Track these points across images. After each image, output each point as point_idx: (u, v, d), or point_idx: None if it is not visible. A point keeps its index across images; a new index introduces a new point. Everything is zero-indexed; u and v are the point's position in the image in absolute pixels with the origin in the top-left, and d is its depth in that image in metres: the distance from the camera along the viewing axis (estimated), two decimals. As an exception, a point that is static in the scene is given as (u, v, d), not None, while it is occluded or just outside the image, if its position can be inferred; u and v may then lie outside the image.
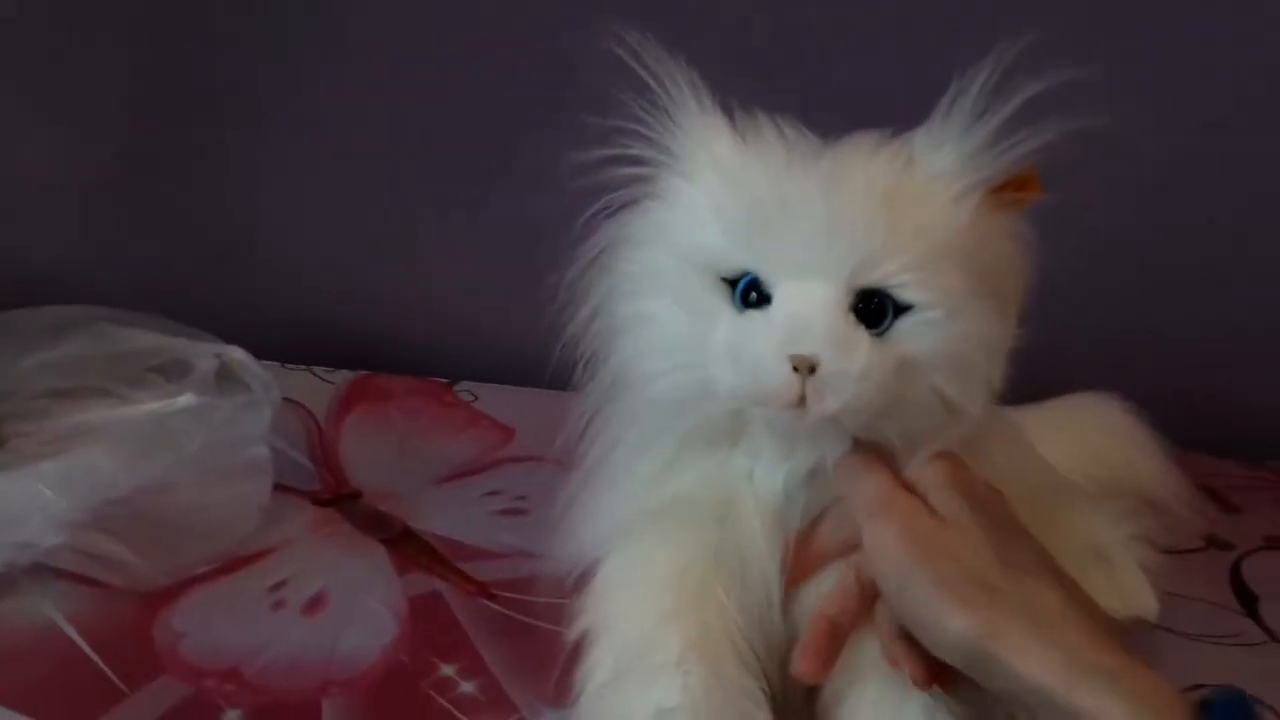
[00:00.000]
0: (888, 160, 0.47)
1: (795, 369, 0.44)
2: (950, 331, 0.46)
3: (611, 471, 0.53)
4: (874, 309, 0.46)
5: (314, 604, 0.67)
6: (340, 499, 0.78)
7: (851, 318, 0.45)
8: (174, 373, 0.89)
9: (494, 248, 0.92)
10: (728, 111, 0.49)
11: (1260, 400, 1.03)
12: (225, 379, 0.89)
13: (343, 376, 0.96)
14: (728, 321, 0.47)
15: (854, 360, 0.44)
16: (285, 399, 0.88)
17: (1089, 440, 0.80)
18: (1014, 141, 0.46)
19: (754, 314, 0.46)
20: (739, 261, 0.47)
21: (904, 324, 0.46)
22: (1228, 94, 0.91)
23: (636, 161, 0.49)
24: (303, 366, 0.97)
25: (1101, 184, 0.89)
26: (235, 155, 0.97)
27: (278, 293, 1.00)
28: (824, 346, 0.44)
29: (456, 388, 0.98)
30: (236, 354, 0.89)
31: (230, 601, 0.66)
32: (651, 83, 0.47)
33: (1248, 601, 0.80)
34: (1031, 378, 0.79)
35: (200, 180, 0.98)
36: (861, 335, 0.45)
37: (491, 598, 0.69)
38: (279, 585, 0.68)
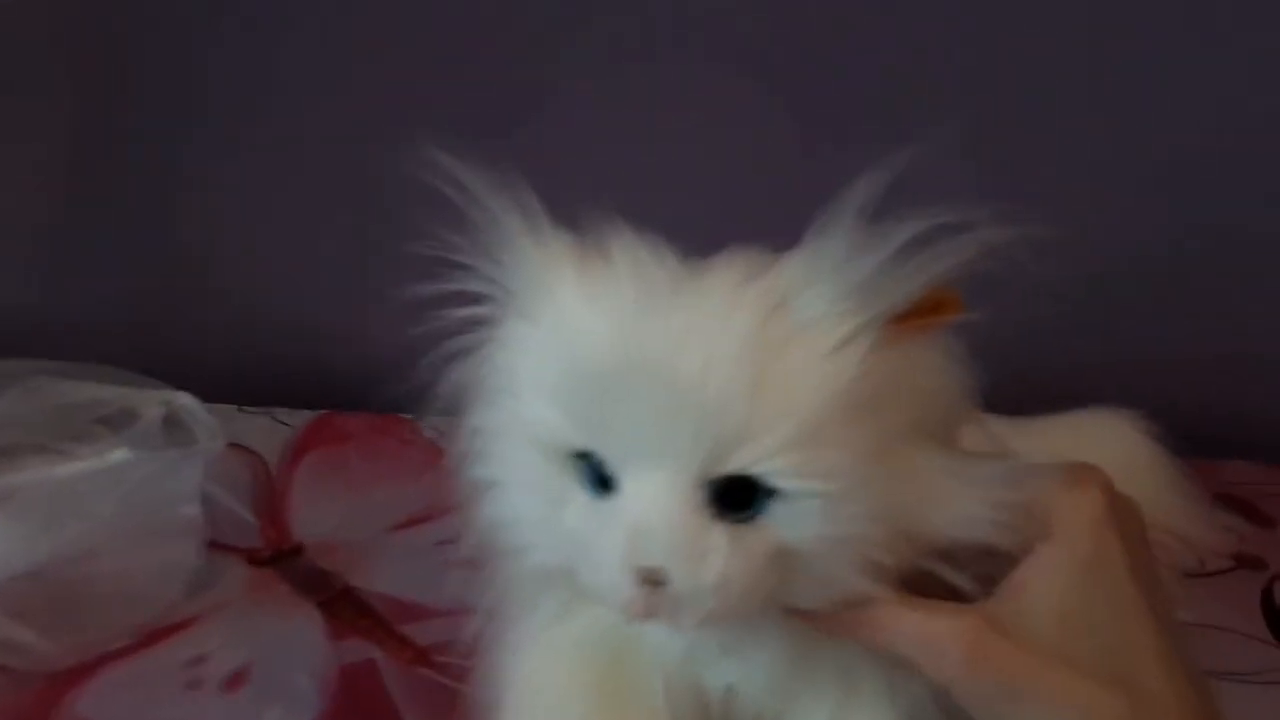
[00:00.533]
0: (754, 303, 0.36)
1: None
2: (839, 514, 0.36)
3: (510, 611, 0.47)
4: (739, 495, 0.36)
5: (235, 680, 0.62)
6: (279, 556, 0.73)
7: (708, 511, 0.36)
8: (121, 423, 0.85)
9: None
10: (582, 232, 0.40)
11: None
12: (176, 427, 0.85)
13: (302, 418, 0.91)
14: (576, 509, 0.38)
15: (707, 570, 0.35)
16: (236, 446, 0.84)
17: (1093, 457, 0.74)
18: (914, 266, 0.35)
19: (602, 505, 0.37)
20: (578, 440, 0.37)
21: (778, 509, 0.36)
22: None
23: (474, 299, 0.41)
24: (262, 409, 0.92)
25: (1121, 189, 0.90)
26: (183, 189, 0.92)
27: (235, 332, 0.96)
28: (670, 558, 0.35)
29: (423, 425, 0.92)
30: (183, 400, 0.84)
31: (143, 681, 0.61)
32: (478, 208, 0.38)
33: (1280, 629, 0.72)
34: (1049, 391, 0.76)
35: (148, 219, 0.93)
36: (718, 535, 0.36)
37: (430, 664, 0.64)
38: (198, 660, 0.63)
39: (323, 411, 0.92)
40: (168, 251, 0.96)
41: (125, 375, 0.85)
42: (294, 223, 0.92)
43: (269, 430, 0.89)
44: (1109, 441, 0.74)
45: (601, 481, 0.37)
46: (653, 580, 0.36)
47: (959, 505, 0.37)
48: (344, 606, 0.68)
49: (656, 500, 0.36)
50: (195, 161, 0.91)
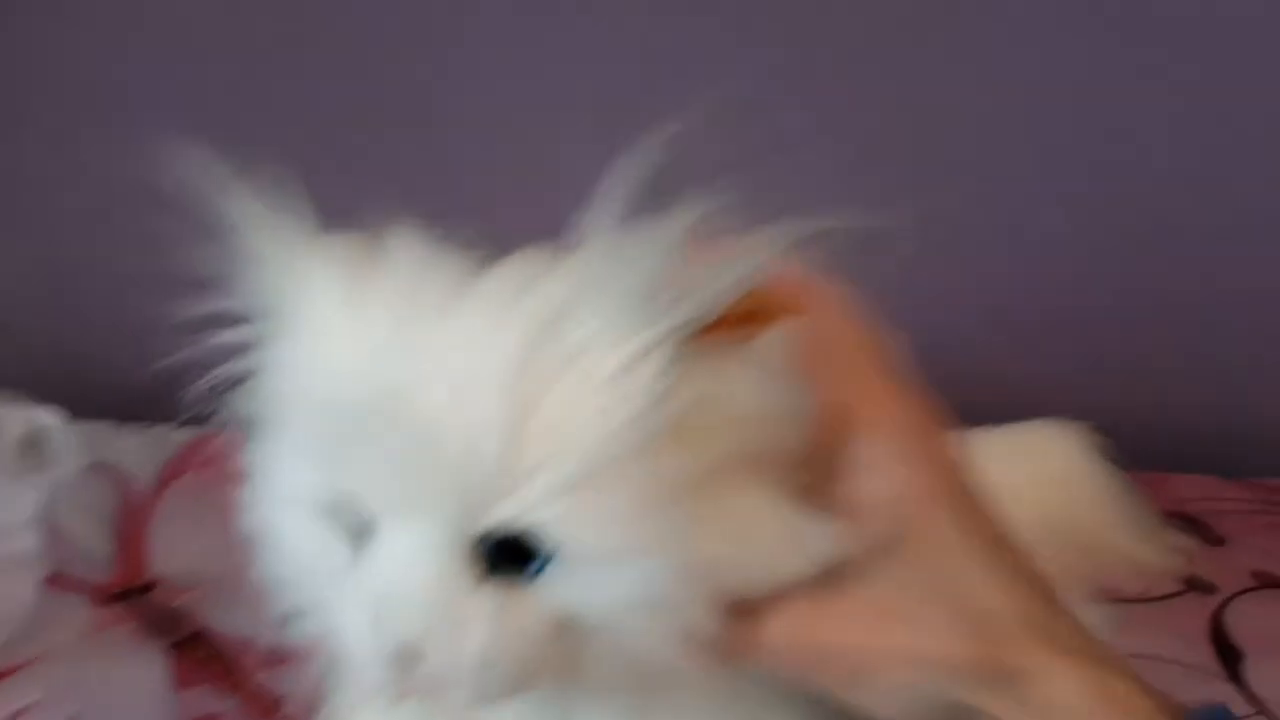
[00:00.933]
0: (519, 323, 0.29)
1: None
2: (631, 575, 0.29)
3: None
4: (513, 553, 0.29)
5: (57, 737, 0.55)
6: (129, 593, 0.66)
7: (473, 573, 0.30)
8: (-17, 442, 0.79)
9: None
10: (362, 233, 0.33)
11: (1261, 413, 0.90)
12: (37, 446, 0.79)
13: (181, 437, 0.84)
14: (329, 571, 0.32)
15: (466, 644, 0.29)
16: (103, 467, 0.77)
17: (1035, 472, 0.70)
18: (718, 265, 0.28)
19: (363, 559, 0.31)
20: (324, 489, 0.31)
21: (558, 570, 0.29)
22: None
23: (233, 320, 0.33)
24: (147, 425, 0.84)
25: (1069, 195, 0.85)
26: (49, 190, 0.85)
27: (116, 341, 0.89)
28: (422, 630, 0.29)
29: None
30: (45, 418, 0.78)
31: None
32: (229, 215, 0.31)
33: (1231, 660, 0.66)
34: (990, 401, 0.71)
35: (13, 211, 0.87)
36: (481, 602, 0.30)
37: (285, 716, 0.57)
38: (18, 714, 0.56)
39: (203, 431, 0.84)
40: (40, 255, 0.89)
41: (-12, 391, 0.79)
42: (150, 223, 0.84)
43: (147, 449, 0.82)
44: (1052, 456, 0.70)
45: (361, 537, 0.31)
46: (406, 656, 0.29)
47: (785, 556, 0.31)
48: (194, 651, 0.62)
49: (408, 561, 0.30)
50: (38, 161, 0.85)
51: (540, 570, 0.29)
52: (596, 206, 0.28)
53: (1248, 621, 0.69)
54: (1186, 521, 0.79)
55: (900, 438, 0.33)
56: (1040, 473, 0.70)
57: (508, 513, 0.29)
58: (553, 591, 0.30)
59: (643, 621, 0.30)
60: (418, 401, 0.28)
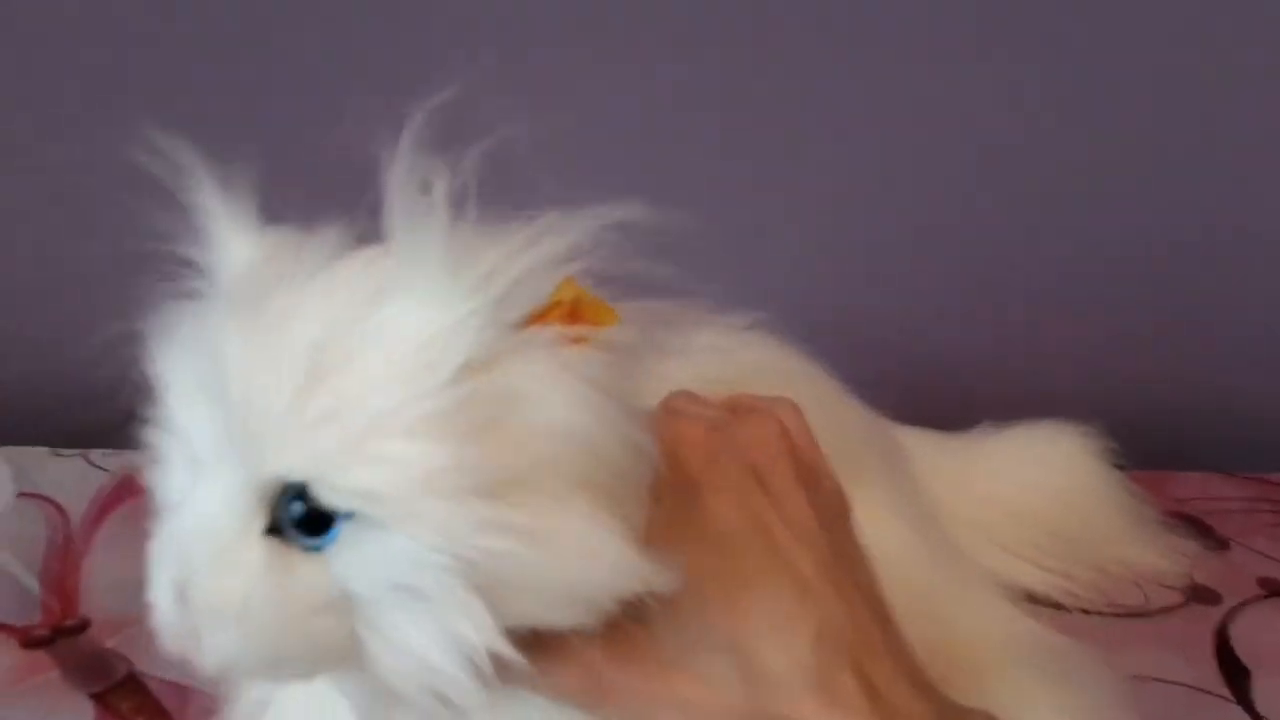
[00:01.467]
0: (344, 296, 0.30)
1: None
2: (397, 553, 0.29)
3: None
4: (313, 523, 0.30)
5: (-34, 802, 0.50)
6: (58, 635, 0.61)
7: (255, 524, 0.30)
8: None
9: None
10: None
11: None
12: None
13: (121, 462, 0.79)
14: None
15: (230, 589, 0.30)
16: (36, 497, 0.73)
17: (1036, 477, 0.67)
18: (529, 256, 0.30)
19: None
20: (163, 443, 0.33)
21: (344, 541, 0.30)
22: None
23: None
24: (78, 451, 0.80)
25: (1075, 188, 0.82)
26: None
27: (40, 359, 0.84)
28: (194, 567, 0.30)
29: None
30: (-32, 443, 0.73)
31: None
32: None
33: (1237, 678, 0.62)
34: (992, 402, 0.68)
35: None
36: (257, 551, 0.30)
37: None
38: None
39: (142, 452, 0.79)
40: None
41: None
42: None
43: (81, 477, 0.77)
44: (1052, 459, 0.68)
45: None
46: (179, 595, 0.30)
47: (589, 585, 0.30)
48: (123, 698, 0.57)
49: (197, 505, 0.31)
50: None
51: (330, 540, 0.30)
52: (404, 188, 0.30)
53: (1255, 633, 0.65)
54: (1188, 523, 0.74)
55: (732, 493, 0.36)
56: (1044, 478, 0.67)
57: (286, 462, 0.29)
58: (336, 562, 0.30)
59: (411, 614, 0.29)
60: (232, 369, 0.30)
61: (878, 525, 0.42)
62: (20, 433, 0.79)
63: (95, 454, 0.79)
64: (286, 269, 0.31)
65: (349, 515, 0.29)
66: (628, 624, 0.32)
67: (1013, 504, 0.66)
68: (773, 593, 0.34)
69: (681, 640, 0.33)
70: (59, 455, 0.79)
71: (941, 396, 0.68)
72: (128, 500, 0.74)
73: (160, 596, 0.31)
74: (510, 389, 0.29)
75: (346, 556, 0.30)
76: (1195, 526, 0.75)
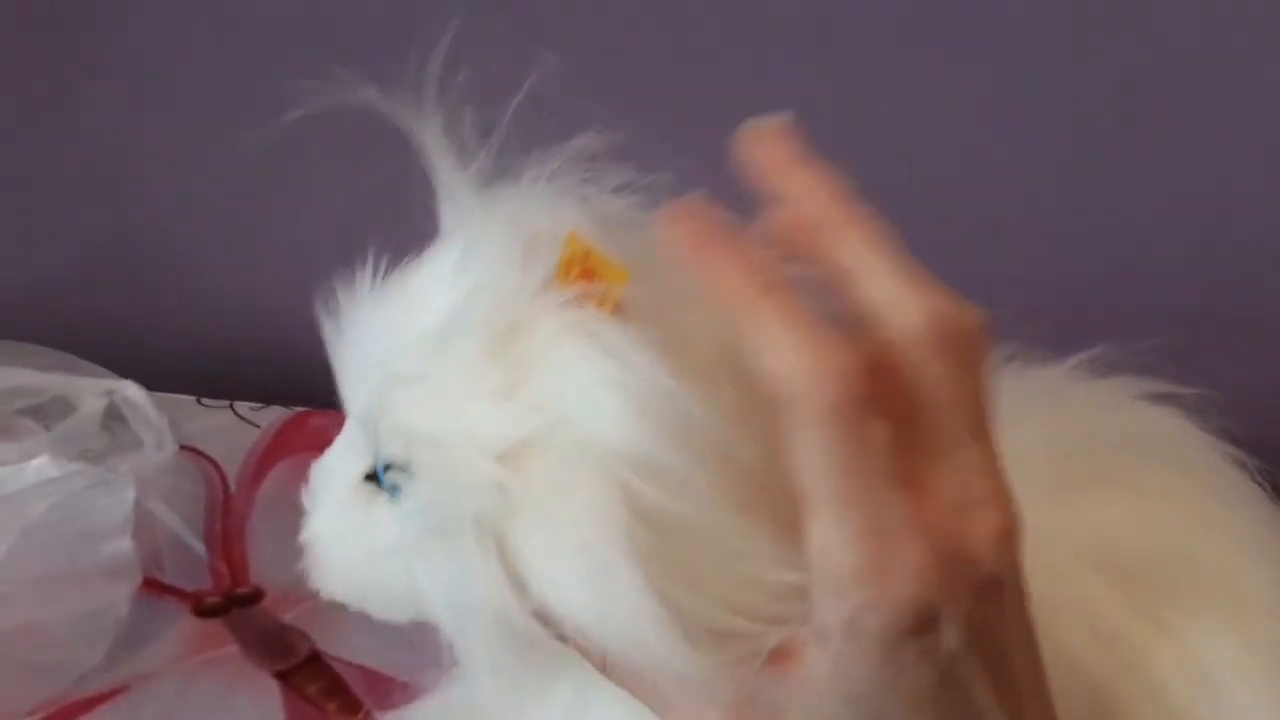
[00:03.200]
0: (437, 271, 0.32)
1: None
2: (430, 501, 0.31)
3: None
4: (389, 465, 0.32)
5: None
6: (232, 604, 0.58)
7: (362, 468, 0.33)
8: (53, 416, 0.71)
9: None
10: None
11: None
12: (118, 424, 0.71)
13: (272, 417, 0.76)
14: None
15: (315, 521, 0.35)
16: (189, 450, 0.70)
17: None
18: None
19: None
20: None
21: (403, 486, 0.32)
22: None
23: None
24: (224, 403, 0.77)
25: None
26: (132, 146, 0.77)
27: (192, 309, 0.81)
28: (311, 498, 0.36)
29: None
30: (129, 391, 0.70)
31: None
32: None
33: None
34: None
35: (92, 175, 0.78)
36: (349, 489, 0.34)
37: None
38: (120, 751, 0.49)
39: (299, 409, 0.76)
40: (115, 213, 0.81)
41: (61, 358, 0.71)
42: (260, 185, 0.77)
43: (231, 430, 0.74)
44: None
45: None
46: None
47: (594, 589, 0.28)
48: (309, 680, 0.54)
49: (332, 448, 0.35)
50: (142, 115, 0.76)
51: (389, 486, 0.32)
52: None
53: None
54: None
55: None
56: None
57: (363, 402, 0.32)
58: (397, 509, 0.32)
59: (437, 562, 0.31)
60: (374, 317, 0.33)
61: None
62: (163, 380, 0.77)
63: (242, 406, 0.76)
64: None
65: (399, 466, 0.31)
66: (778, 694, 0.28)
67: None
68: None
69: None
70: (205, 406, 0.76)
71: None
72: (285, 459, 0.71)
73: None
74: (536, 354, 0.29)
75: (403, 504, 0.32)
76: None
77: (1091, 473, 0.39)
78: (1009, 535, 0.26)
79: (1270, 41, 0.67)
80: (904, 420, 0.25)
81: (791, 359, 0.24)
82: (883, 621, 0.24)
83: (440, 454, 0.30)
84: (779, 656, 0.27)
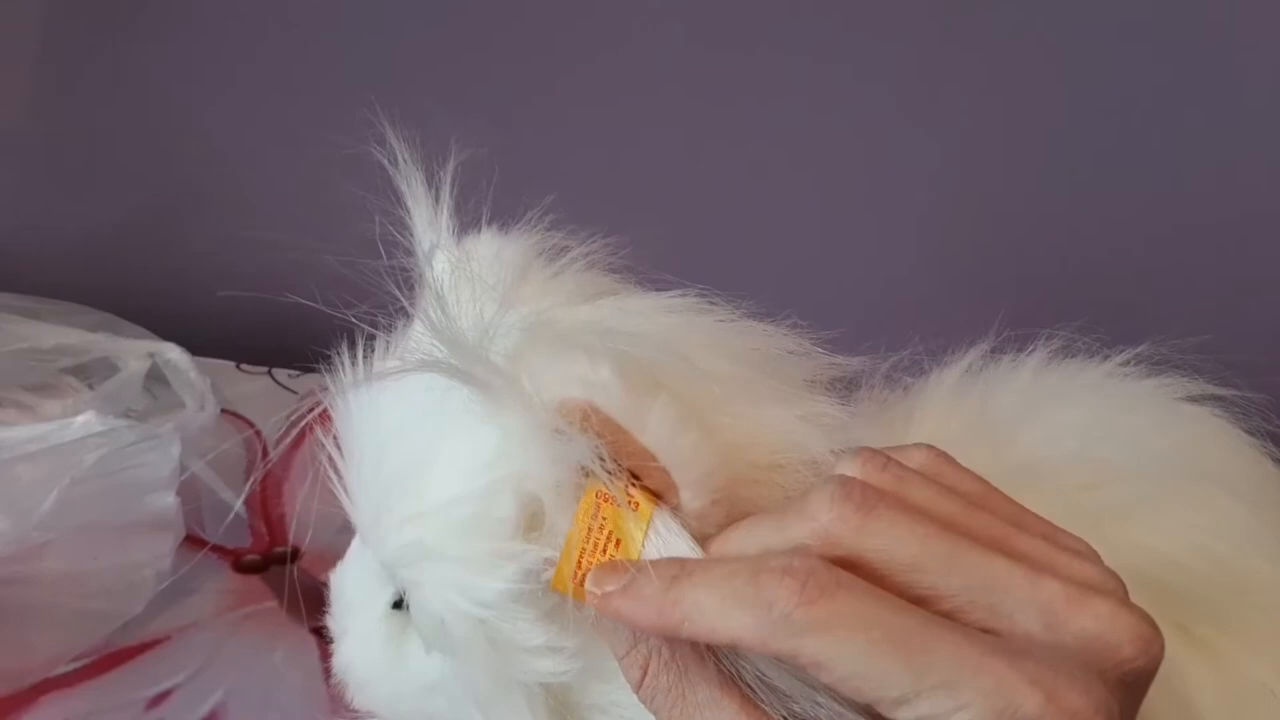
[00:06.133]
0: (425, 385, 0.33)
1: None
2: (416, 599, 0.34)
3: None
4: None
5: (204, 727, 0.49)
6: (270, 562, 0.60)
7: (387, 597, 0.37)
8: (96, 376, 0.72)
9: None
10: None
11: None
12: (159, 385, 0.72)
13: (310, 383, 0.77)
14: None
15: (352, 652, 0.38)
16: (229, 414, 0.71)
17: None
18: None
19: None
20: None
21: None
22: None
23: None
24: (262, 369, 0.78)
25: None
26: (179, 106, 0.78)
27: (236, 273, 0.82)
28: (339, 619, 0.40)
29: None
30: (172, 353, 0.71)
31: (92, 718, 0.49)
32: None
33: None
34: None
35: (138, 137, 0.80)
36: (379, 618, 0.37)
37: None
38: (162, 697, 0.50)
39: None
40: (160, 175, 0.82)
41: (105, 319, 0.73)
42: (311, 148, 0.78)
43: (269, 396, 0.75)
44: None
45: None
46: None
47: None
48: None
49: (349, 566, 0.40)
50: (193, 75, 0.78)
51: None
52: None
53: None
54: None
55: None
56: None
57: (388, 554, 0.34)
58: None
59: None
60: (374, 434, 0.38)
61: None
62: (205, 346, 0.78)
63: (280, 374, 0.78)
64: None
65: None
66: None
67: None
68: None
69: None
70: (244, 372, 0.77)
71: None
72: (321, 424, 0.72)
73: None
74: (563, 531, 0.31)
75: (445, 660, 0.34)
76: None
77: (1134, 488, 0.38)
78: None
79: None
80: None
81: None
82: None
83: (477, 629, 0.32)
84: None
